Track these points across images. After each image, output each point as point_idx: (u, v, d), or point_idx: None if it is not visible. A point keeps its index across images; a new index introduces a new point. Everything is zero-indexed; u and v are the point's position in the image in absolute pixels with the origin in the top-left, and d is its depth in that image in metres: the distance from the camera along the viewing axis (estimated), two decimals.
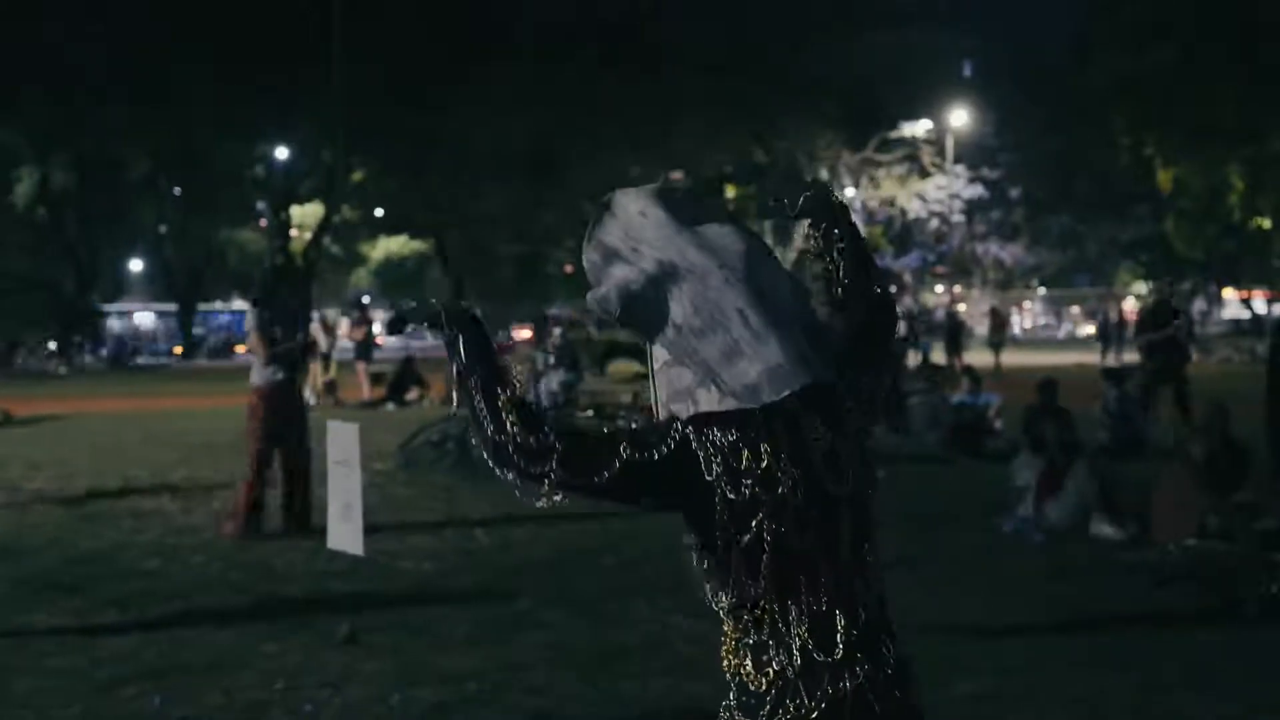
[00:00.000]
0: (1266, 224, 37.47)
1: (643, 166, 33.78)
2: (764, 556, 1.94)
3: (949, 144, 38.65)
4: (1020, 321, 64.08)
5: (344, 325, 23.93)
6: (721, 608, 2.02)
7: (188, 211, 41.61)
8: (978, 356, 27.31)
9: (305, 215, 43.07)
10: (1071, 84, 35.08)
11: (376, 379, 20.61)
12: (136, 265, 53.84)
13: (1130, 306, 52.63)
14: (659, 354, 2.05)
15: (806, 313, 2.10)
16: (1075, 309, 67.63)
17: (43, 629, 6.08)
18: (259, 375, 8.59)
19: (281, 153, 38.57)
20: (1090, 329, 50.28)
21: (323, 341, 19.79)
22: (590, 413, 15.06)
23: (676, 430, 1.97)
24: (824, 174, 36.90)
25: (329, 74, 30.43)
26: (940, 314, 41.07)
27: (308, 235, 41.61)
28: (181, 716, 4.80)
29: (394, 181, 39.55)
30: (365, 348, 21.43)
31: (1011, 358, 29.94)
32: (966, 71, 44.93)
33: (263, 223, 44.25)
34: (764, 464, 1.94)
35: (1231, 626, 5.73)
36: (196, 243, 44.31)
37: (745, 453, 1.94)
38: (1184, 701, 4.98)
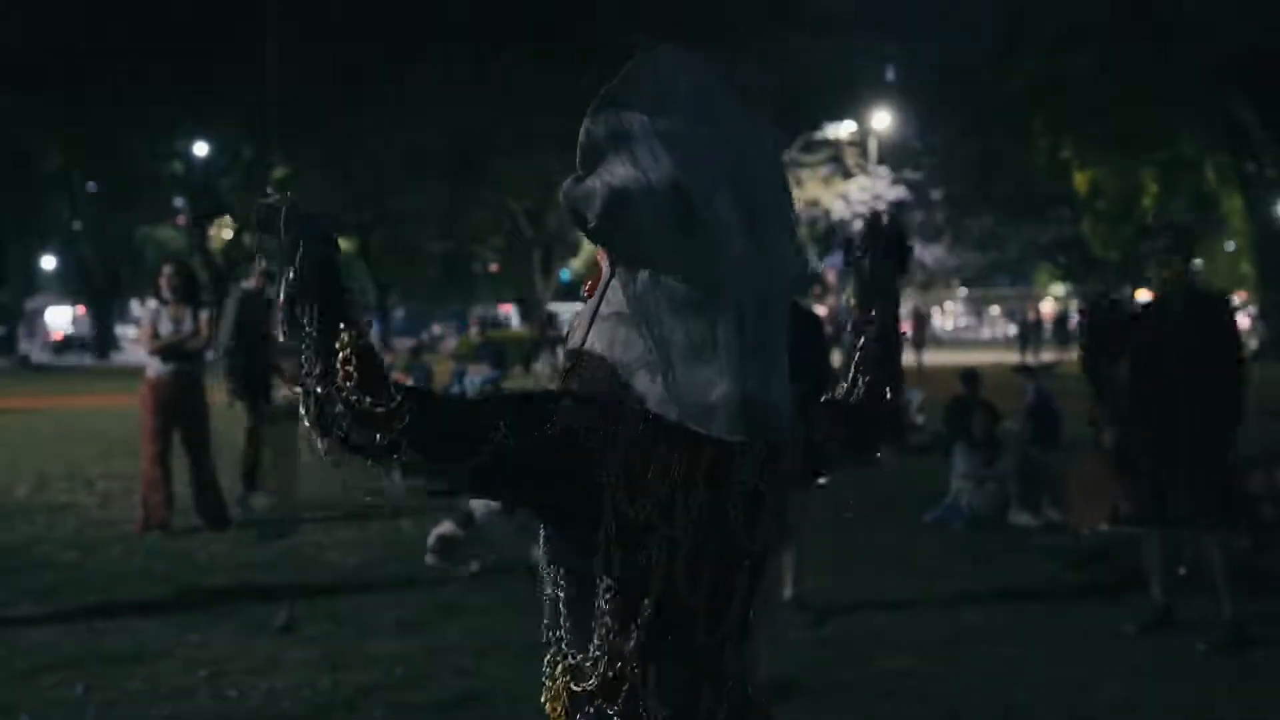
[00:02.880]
0: None
1: (570, 162, 33.70)
2: (645, 601, 1.51)
3: (872, 146, 39.13)
4: (943, 323, 65.07)
5: None
6: (569, 664, 1.58)
7: (104, 208, 40.79)
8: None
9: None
10: (991, 87, 35.66)
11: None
12: (49, 262, 52.70)
13: (1048, 308, 53.73)
14: (614, 296, 1.56)
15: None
16: (995, 309, 68.76)
17: None
18: (149, 368, 8.49)
19: (201, 148, 37.95)
20: (1011, 329, 51.22)
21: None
22: None
23: (572, 401, 1.51)
24: None
25: (252, 69, 30.01)
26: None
27: (226, 232, 41.00)
28: (104, 703, 4.74)
29: (316, 178, 39.12)
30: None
31: (932, 357, 30.38)
32: (889, 75, 45.51)
33: (181, 219, 43.51)
34: (671, 488, 1.51)
35: (1140, 605, 5.91)
36: (114, 240, 43.45)
37: (654, 467, 1.50)
38: (1092, 672, 5.15)
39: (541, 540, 1.59)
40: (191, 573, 7.08)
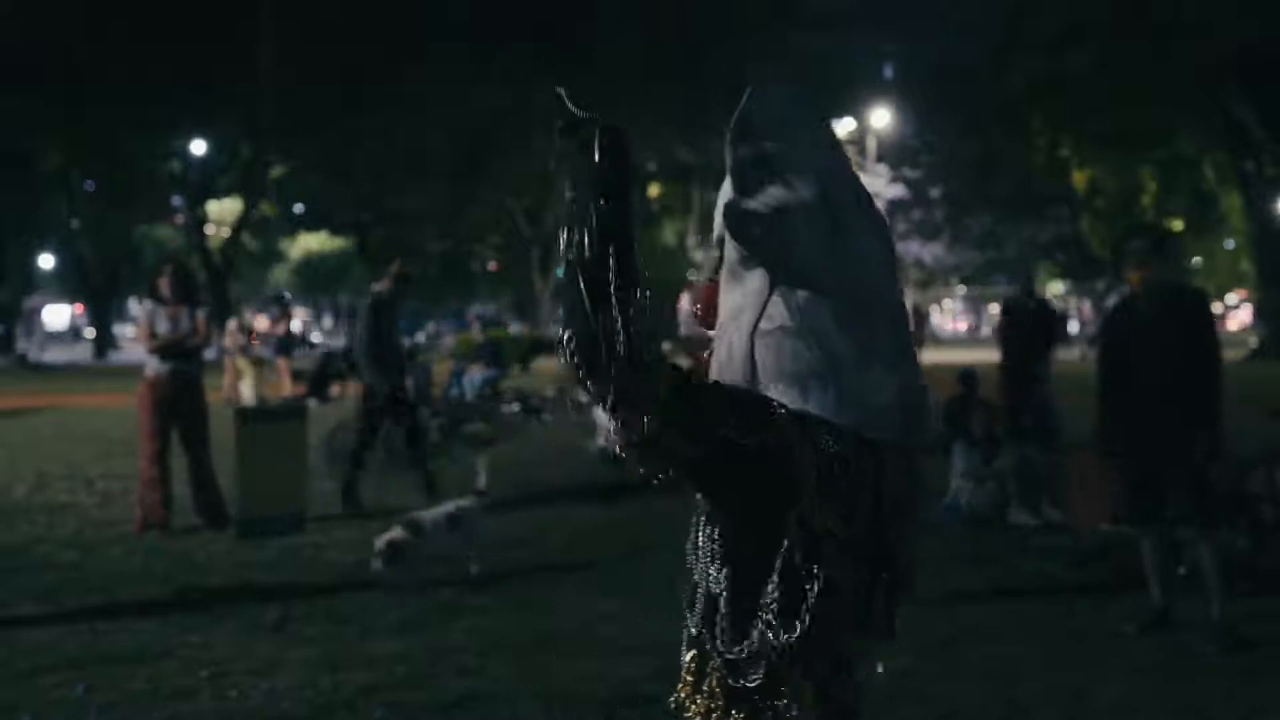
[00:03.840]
0: (1179, 225, 38.43)
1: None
2: (810, 599, 1.59)
3: (871, 144, 39.13)
4: (945, 320, 65.10)
5: (262, 322, 23.72)
6: (727, 659, 1.63)
7: (103, 206, 40.78)
8: None
9: (223, 211, 42.44)
10: (990, 85, 35.69)
11: (297, 375, 20.42)
12: (47, 261, 52.68)
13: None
14: (777, 311, 1.59)
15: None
16: (995, 308, 68.75)
17: None
18: (148, 367, 8.50)
19: (199, 147, 37.94)
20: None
21: (234, 341, 19.59)
22: (516, 406, 15.07)
23: (780, 416, 1.54)
24: None
25: (251, 69, 30.01)
26: None
27: (225, 232, 40.99)
28: (106, 704, 4.74)
29: (316, 178, 39.13)
30: (286, 344, 21.24)
31: (931, 355, 30.38)
32: (888, 73, 45.53)
33: (179, 218, 43.50)
34: (854, 494, 1.59)
35: (1140, 605, 5.91)
36: (112, 238, 43.45)
37: (843, 477, 1.57)
38: (1093, 674, 5.15)
39: (708, 540, 1.64)
40: (191, 572, 7.08)
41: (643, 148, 36.06)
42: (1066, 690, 4.98)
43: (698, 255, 39.02)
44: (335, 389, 19.61)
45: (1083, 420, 7.42)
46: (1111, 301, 10.43)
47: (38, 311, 56.99)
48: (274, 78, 29.56)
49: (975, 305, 72.44)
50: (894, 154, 41.11)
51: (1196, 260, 42.13)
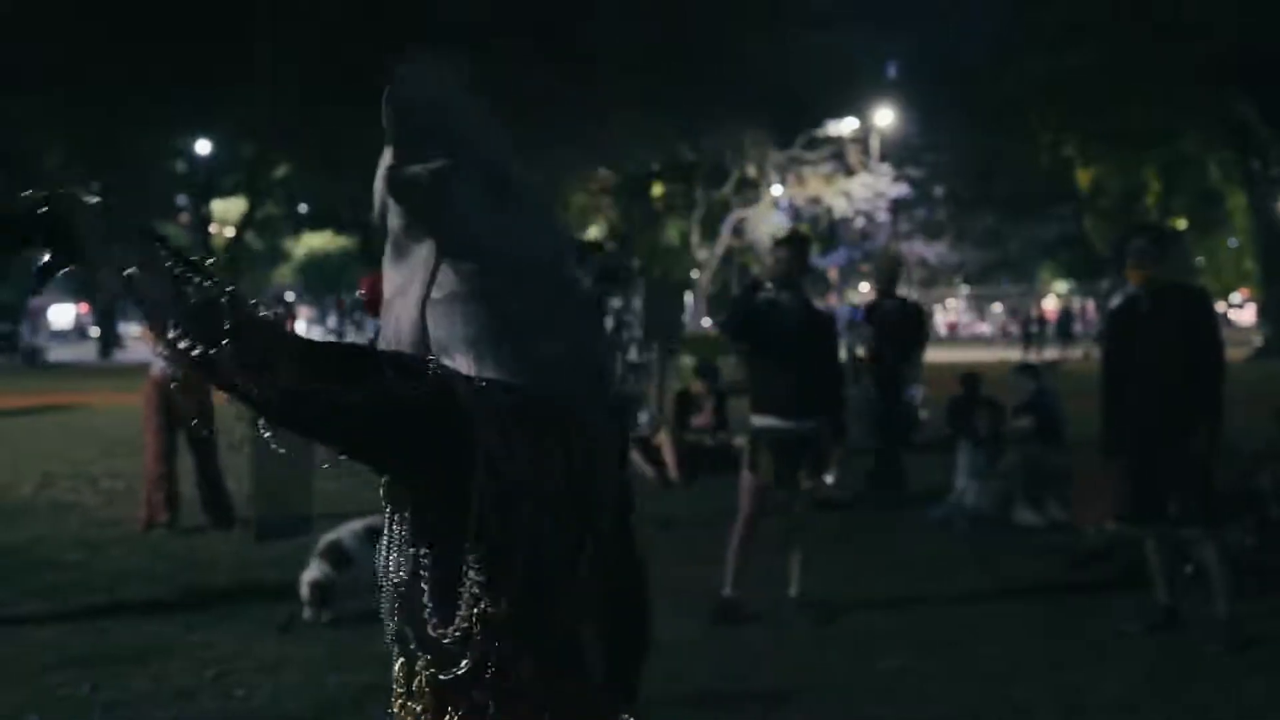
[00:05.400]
0: (1182, 224, 38.43)
1: (569, 162, 33.79)
2: (515, 567, 1.50)
3: (874, 143, 39.11)
4: (952, 319, 65.07)
5: None
6: (433, 653, 1.52)
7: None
8: None
9: (227, 210, 42.49)
10: (992, 84, 35.67)
11: None
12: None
13: (1050, 305, 53.75)
14: (446, 279, 1.57)
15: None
16: (998, 307, 68.76)
17: None
18: (153, 365, 8.51)
19: (203, 146, 37.99)
20: (1012, 327, 51.26)
21: None
22: None
23: (439, 370, 1.48)
24: (751, 171, 37.21)
25: (252, 68, 30.02)
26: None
27: (230, 231, 41.04)
28: (111, 703, 4.76)
29: (319, 177, 39.15)
30: None
31: (935, 354, 30.38)
32: (891, 72, 45.50)
33: (184, 218, 43.55)
34: (536, 451, 1.52)
35: (1143, 604, 5.92)
36: None
37: (522, 431, 1.51)
38: (1094, 673, 5.16)
39: (397, 524, 1.53)
40: (196, 571, 7.09)
41: (645, 147, 36.11)
42: (1068, 689, 4.99)
43: (701, 254, 39.05)
44: None
45: (1087, 420, 7.42)
46: (1115, 301, 10.41)
47: (43, 310, 57.01)
48: (275, 76, 29.57)
49: (979, 304, 72.41)
50: (897, 153, 41.07)
51: (1200, 259, 42.10)
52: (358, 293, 1.37)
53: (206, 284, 1.39)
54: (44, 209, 1.41)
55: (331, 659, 5.28)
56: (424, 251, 1.60)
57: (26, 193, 1.43)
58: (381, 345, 1.62)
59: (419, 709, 1.54)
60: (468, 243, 1.58)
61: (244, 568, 7.16)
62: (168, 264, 1.40)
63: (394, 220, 1.62)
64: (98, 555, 7.55)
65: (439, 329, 1.57)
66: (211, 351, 1.35)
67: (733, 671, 5.22)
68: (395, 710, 1.58)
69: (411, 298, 1.60)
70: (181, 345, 1.36)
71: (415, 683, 1.54)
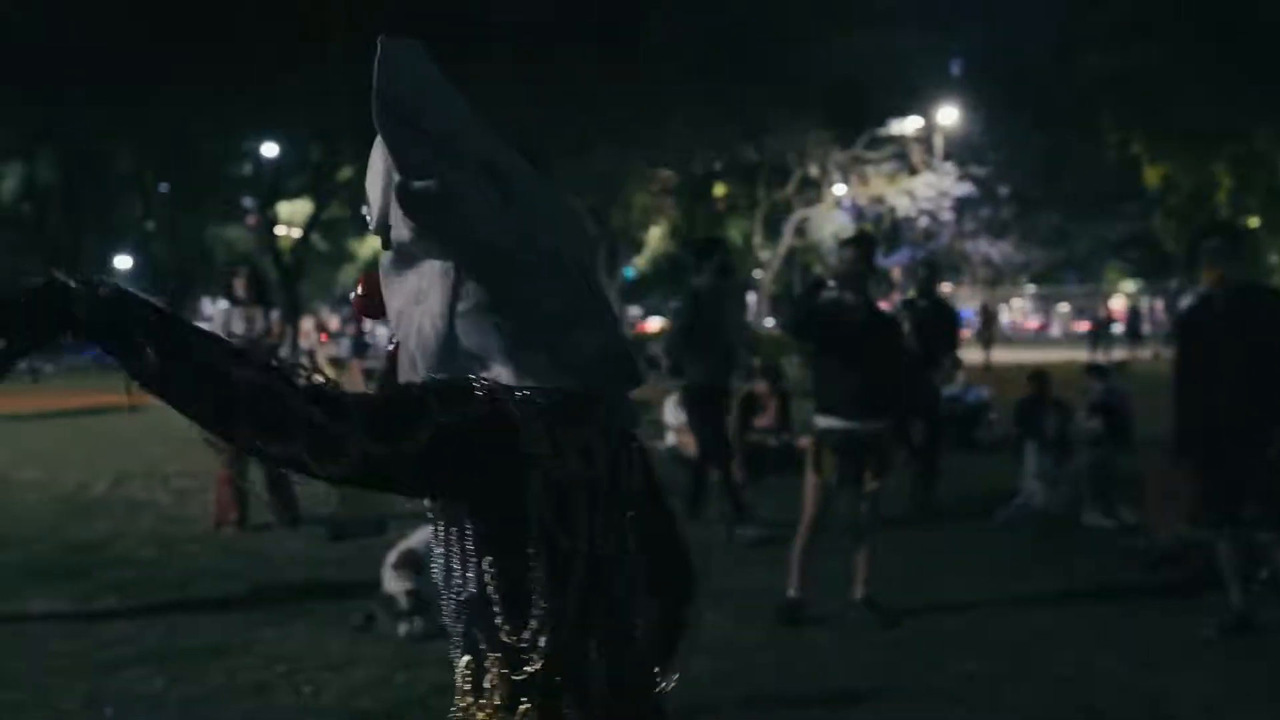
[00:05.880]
0: (1255, 222, 37.66)
1: (631, 164, 33.84)
2: (576, 563, 1.53)
3: (938, 141, 38.75)
4: (1014, 319, 64.37)
5: (334, 321, 24.05)
6: (503, 654, 1.54)
7: (176, 208, 41.52)
8: (968, 353, 27.47)
9: (293, 212, 43.01)
10: (1059, 81, 35.18)
11: (369, 375, 20.67)
12: (124, 262, 53.73)
13: (1117, 304, 52.96)
14: (470, 289, 1.54)
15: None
16: (1065, 306, 67.91)
17: (42, 614, 6.12)
18: None
19: (269, 149, 38.48)
20: (1082, 326, 50.57)
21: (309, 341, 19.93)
22: None
23: (480, 385, 1.49)
24: (813, 170, 37.02)
25: (320, 70, 30.35)
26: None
27: (295, 232, 41.54)
28: (185, 699, 4.83)
29: None
30: (360, 344, 21.54)
31: (1001, 355, 30.10)
32: (955, 69, 45.02)
33: (251, 220, 44.16)
34: (585, 446, 1.54)
35: (1218, 609, 5.80)
36: (185, 240, 44.23)
37: (567, 430, 1.52)
38: (1170, 680, 5.06)
39: (455, 536, 1.55)
40: (266, 569, 7.18)
41: (704, 146, 36.04)
42: (1144, 696, 4.90)
43: (764, 254, 38.90)
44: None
45: (1157, 421, 7.29)
46: (1187, 301, 10.24)
47: None
48: (342, 78, 29.89)
49: (1045, 304, 71.53)
50: (961, 151, 40.63)
51: (1275, 258, 41.27)
52: (353, 292, 1.36)
53: (254, 374, 1.38)
54: (37, 300, 1.37)
55: (399, 657, 5.32)
56: (438, 261, 1.57)
57: (31, 278, 1.39)
58: (403, 357, 1.62)
59: (490, 708, 1.56)
60: (485, 250, 1.54)
61: (313, 566, 7.24)
62: (206, 353, 1.38)
63: (401, 231, 1.58)
64: (170, 553, 7.68)
65: (471, 340, 1.55)
66: (274, 451, 1.39)
67: (798, 674, 5.19)
68: (462, 709, 1.59)
69: (433, 308, 1.57)
70: (241, 442, 1.40)
71: (486, 680, 1.56)
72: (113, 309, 1.37)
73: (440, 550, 1.58)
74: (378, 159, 1.61)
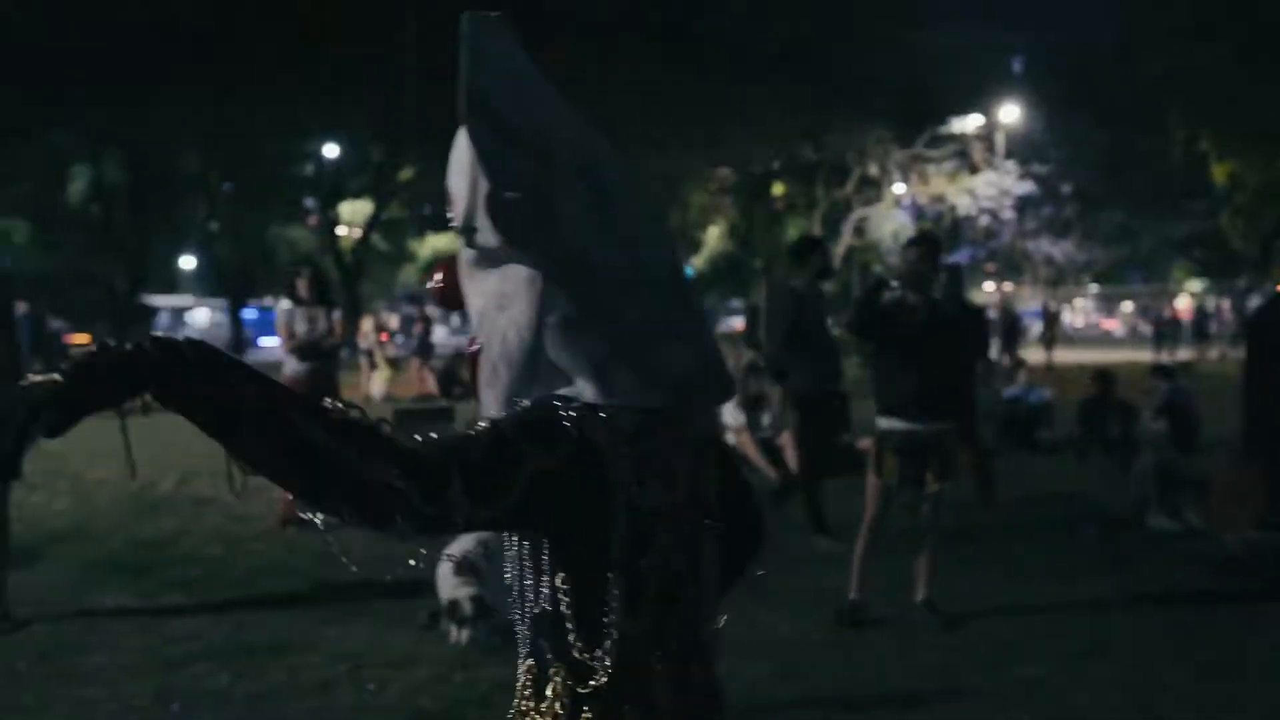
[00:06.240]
0: None
1: (692, 163, 33.82)
2: (650, 581, 1.52)
3: (999, 140, 38.34)
4: (1077, 319, 63.59)
5: (394, 321, 24.29)
6: (570, 668, 1.53)
7: (239, 208, 42.07)
8: (1030, 353, 27.19)
9: (354, 212, 43.43)
10: (1122, 78, 34.67)
11: (435, 374, 20.82)
12: (189, 262, 54.53)
13: (1182, 304, 52.12)
14: (558, 300, 1.49)
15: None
16: (1128, 306, 66.95)
17: (113, 610, 6.23)
18: (286, 366, 8.75)
19: (331, 150, 38.90)
20: (1144, 326, 49.85)
21: (368, 341, 20.12)
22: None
23: (568, 417, 1.47)
24: (873, 169, 36.79)
25: (384, 70, 30.61)
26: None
27: (356, 232, 41.95)
28: (249, 695, 4.90)
29: (442, 178, 39.73)
30: (425, 344, 21.71)
31: (1063, 355, 29.74)
32: (1016, 67, 44.55)
33: (313, 220, 44.66)
34: (669, 469, 1.52)
35: None
36: (248, 239, 44.80)
37: (656, 457, 1.50)
38: (1239, 690, 4.98)
39: (530, 551, 1.54)
40: (329, 567, 7.24)
41: (763, 145, 35.95)
42: (1214, 703, 4.82)
43: None
44: (459, 389, 19.92)
45: (1224, 422, 7.19)
46: (1256, 300, 10.07)
47: (186, 311, 58.98)
48: (408, 81, 30.14)
49: (1108, 303, 70.57)
50: (1022, 149, 40.18)
51: None
52: (431, 281, 1.31)
53: (353, 455, 1.38)
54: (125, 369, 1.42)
55: (460, 656, 5.35)
56: (525, 268, 1.52)
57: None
58: (484, 364, 1.59)
59: (550, 715, 1.55)
60: (576, 261, 1.49)
61: (376, 565, 7.28)
62: (306, 430, 1.38)
63: (489, 236, 1.53)
64: (236, 550, 7.79)
65: (559, 354, 1.51)
66: (377, 530, 1.42)
67: (860, 676, 5.16)
68: (521, 711, 1.59)
69: (519, 318, 1.53)
70: (344, 521, 1.43)
71: (548, 689, 1.55)
72: (207, 380, 1.38)
73: (513, 564, 1.59)
74: (463, 153, 1.55)
